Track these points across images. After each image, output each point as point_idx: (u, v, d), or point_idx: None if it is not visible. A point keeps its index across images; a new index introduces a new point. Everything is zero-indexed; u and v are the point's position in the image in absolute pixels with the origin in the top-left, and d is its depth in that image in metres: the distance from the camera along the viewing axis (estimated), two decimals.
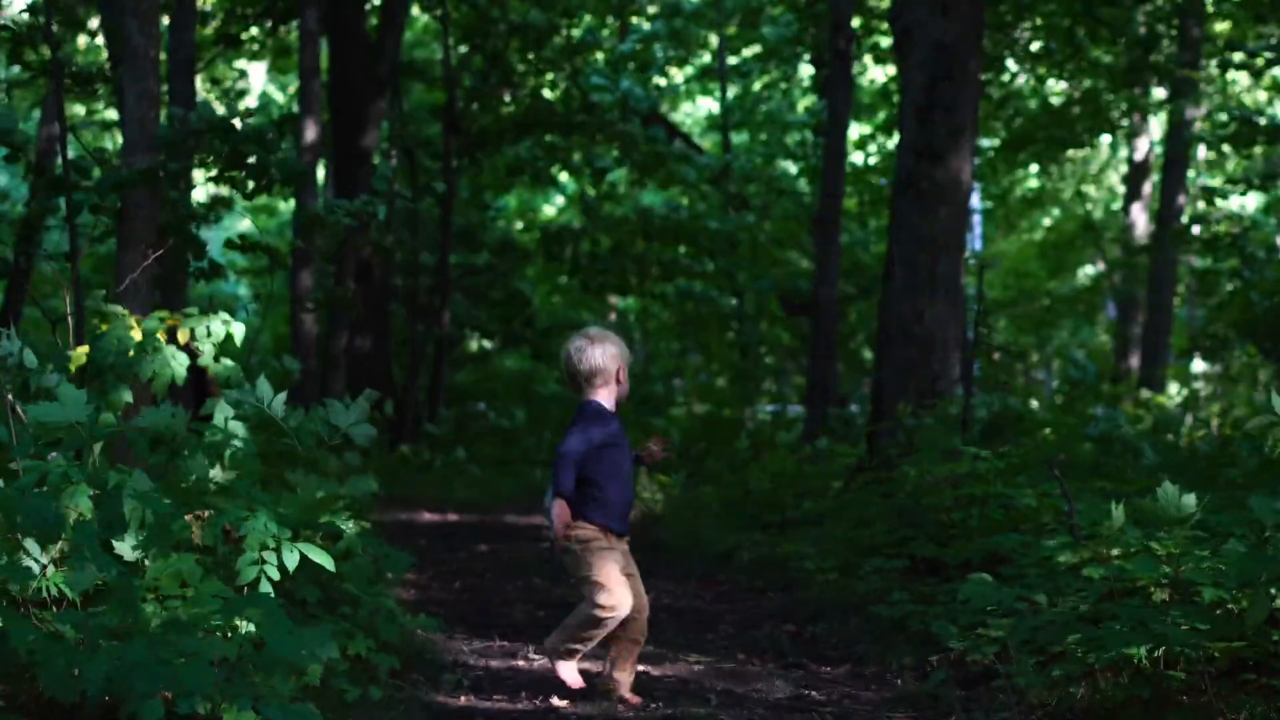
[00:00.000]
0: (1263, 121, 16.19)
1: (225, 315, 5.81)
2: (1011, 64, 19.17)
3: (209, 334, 5.70)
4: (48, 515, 3.08)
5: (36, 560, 3.38)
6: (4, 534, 3.23)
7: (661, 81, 24.17)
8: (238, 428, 4.84)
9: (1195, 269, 22.74)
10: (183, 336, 5.59)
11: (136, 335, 5.39)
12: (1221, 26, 20.15)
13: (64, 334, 5.63)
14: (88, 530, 3.25)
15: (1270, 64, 15.96)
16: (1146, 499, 5.11)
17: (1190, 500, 4.85)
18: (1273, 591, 4.36)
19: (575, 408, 5.22)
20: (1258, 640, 4.45)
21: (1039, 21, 18.01)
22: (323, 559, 4.42)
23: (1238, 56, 16.71)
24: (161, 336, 5.49)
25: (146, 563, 3.92)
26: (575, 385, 5.18)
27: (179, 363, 5.49)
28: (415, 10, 22.62)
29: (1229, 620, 4.48)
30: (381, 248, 15.78)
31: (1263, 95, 24.59)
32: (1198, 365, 19.81)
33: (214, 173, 7.22)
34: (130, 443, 3.72)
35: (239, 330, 5.78)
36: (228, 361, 5.71)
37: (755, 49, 24.47)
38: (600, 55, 21.54)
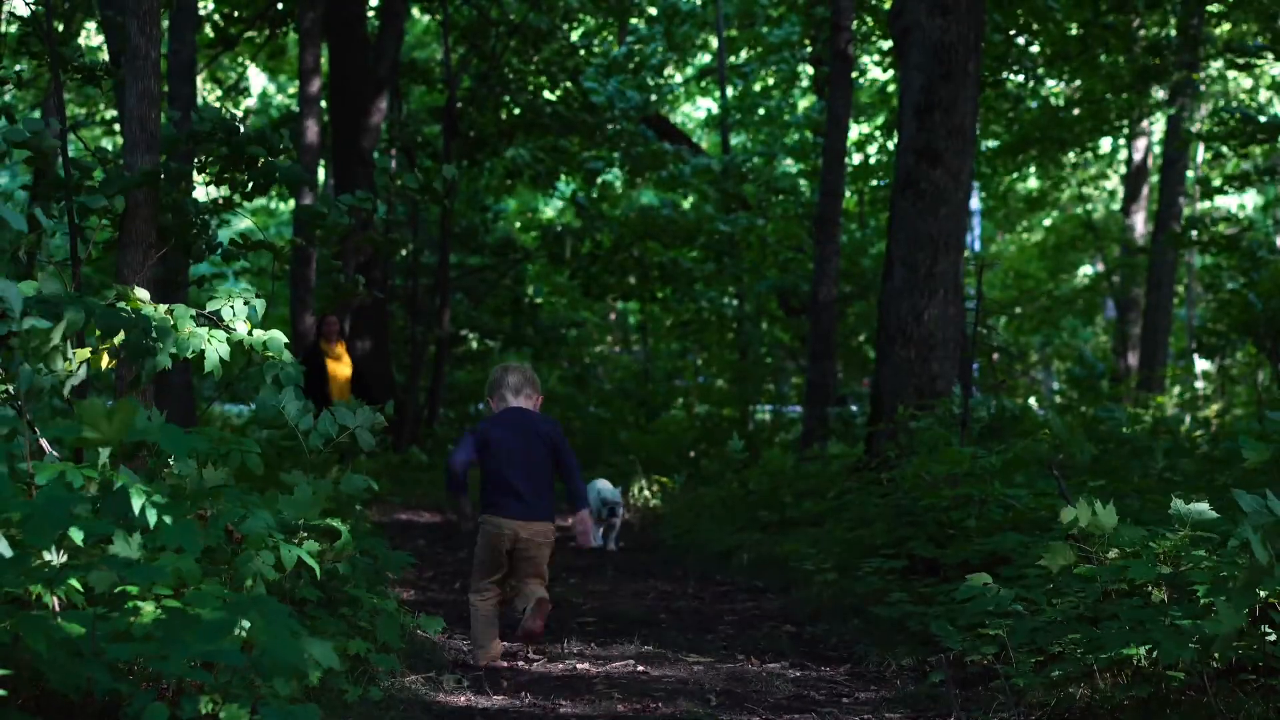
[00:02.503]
0: (1262, 119, 16.19)
1: (247, 294, 5.81)
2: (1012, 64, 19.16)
3: (234, 313, 5.70)
4: (61, 515, 3.09)
5: (53, 564, 3.39)
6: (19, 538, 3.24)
7: (660, 82, 24.15)
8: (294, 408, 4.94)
9: (1199, 268, 22.74)
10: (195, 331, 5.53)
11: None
12: (1221, 29, 20.16)
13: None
14: (99, 528, 3.26)
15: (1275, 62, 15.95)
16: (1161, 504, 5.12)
17: (1203, 508, 4.85)
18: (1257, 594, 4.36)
19: (552, 422, 6.18)
20: (1255, 640, 4.45)
21: (1037, 26, 17.99)
22: (312, 563, 4.43)
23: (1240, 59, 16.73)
24: (194, 321, 5.50)
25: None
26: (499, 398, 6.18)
27: (219, 341, 5.49)
28: (415, 12, 22.65)
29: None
30: (384, 243, 15.79)
31: (1264, 95, 24.62)
32: (1200, 364, 19.77)
33: (213, 174, 7.23)
34: (162, 444, 3.71)
35: (260, 305, 5.80)
36: (272, 331, 5.72)
37: (756, 49, 24.52)
38: (598, 56, 21.55)
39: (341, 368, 12.92)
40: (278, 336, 5.68)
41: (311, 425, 5.34)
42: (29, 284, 4.73)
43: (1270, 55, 15.78)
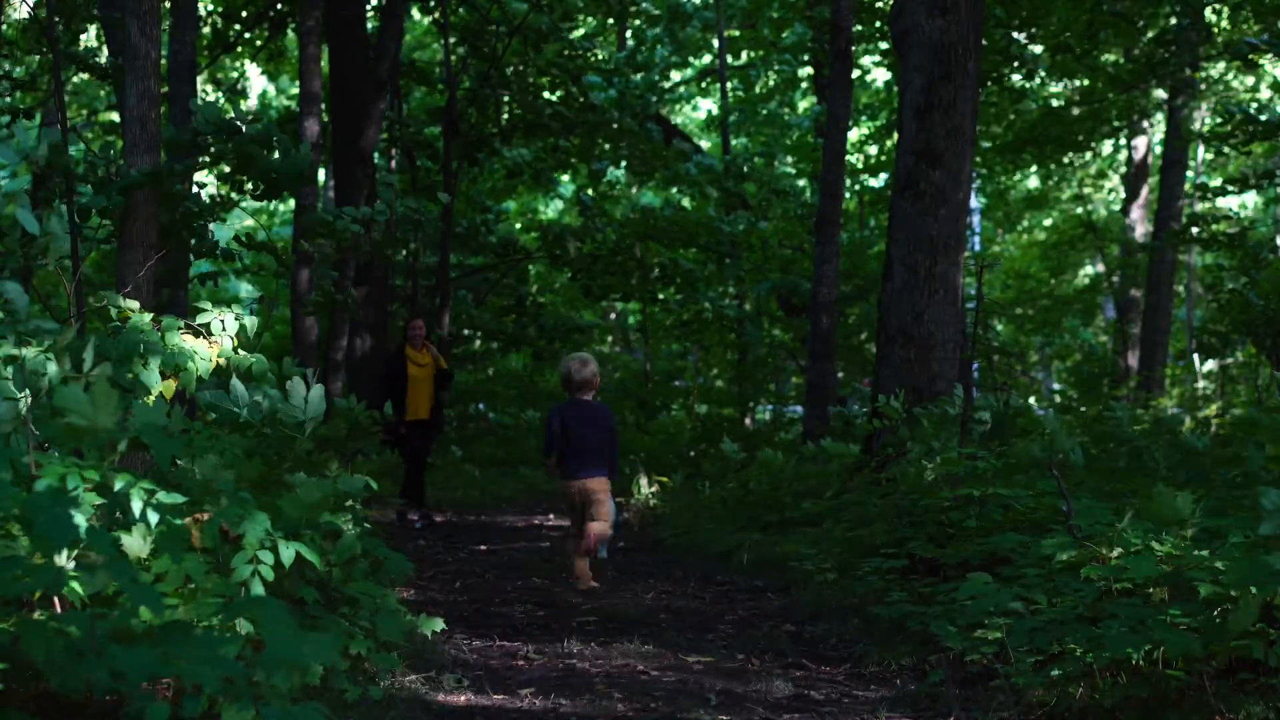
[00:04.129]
0: (1264, 118, 16.18)
1: (238, 309, 5.80)
2: (1016, 64, 19.14)
3: (224, 327, 5.69)
4: (66, 523, 3.09)
5: (59, 566, 3.40)
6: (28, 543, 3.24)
7: (666, 85, 24.17)
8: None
9: (1199, 268, 22.71)
10: (192, 336, 5.56)
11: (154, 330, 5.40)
12: (1221, 27, 20.15)
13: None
14: (103, 536, 3.26)
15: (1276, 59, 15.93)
16: (1148, 499, 5.11)
17: (1187, 501, 4.85)
18: (1260, 594, 4.36)
19: (608, 412, 8.59)
20: (1255, 640, 4.46)
21: (1046, 27, 17.97)
22: (312, 557, 4.42)
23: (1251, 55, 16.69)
24: (184, 336, 5.48)
25: (150, 562, 3.94)
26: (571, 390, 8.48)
27: (202, 357, 5.48)
28: (415, 13, 22.65)
29: (1219, 625, 4.48)
30: (383, 253, 15.80)
31: (1265, 94, 24.60)
32: (1207, 364, 19.75)
33: (219, 173, 7.25)
34: (151, 445, 3.71)
35: (252, 323, 5.78)
36: (257, 355, 5.71)
37: (758, 51, 24.54)
38: (600, 57, 21.55)
39: (425, 374, 12.35)
40: (262, 361, 5.68)
41: (260, 413, 5.33)
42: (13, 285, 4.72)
43: (1271, 55, 15.77)
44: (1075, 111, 21.70)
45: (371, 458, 14.39)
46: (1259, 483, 6.22)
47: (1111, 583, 5.01)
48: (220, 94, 23.12)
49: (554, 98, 20.62)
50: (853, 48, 15.35)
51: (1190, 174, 25.21)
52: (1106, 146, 27.99)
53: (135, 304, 5.61)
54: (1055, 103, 22.67)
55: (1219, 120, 17.17)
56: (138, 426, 3.77)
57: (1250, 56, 16.09)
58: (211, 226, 7.50)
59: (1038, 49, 19.03)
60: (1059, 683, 4.90)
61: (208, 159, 7.23)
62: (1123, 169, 27.99)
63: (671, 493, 13.29)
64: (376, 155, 18.26)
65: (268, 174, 6.94)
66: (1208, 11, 18.61)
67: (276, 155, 7.08)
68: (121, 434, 3.71)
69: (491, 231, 21.19)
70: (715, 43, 24.09)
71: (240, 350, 5.70)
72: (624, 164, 21.65)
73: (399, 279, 20.28)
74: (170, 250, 6.87)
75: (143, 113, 6.39)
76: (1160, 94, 21.85)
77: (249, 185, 7.22)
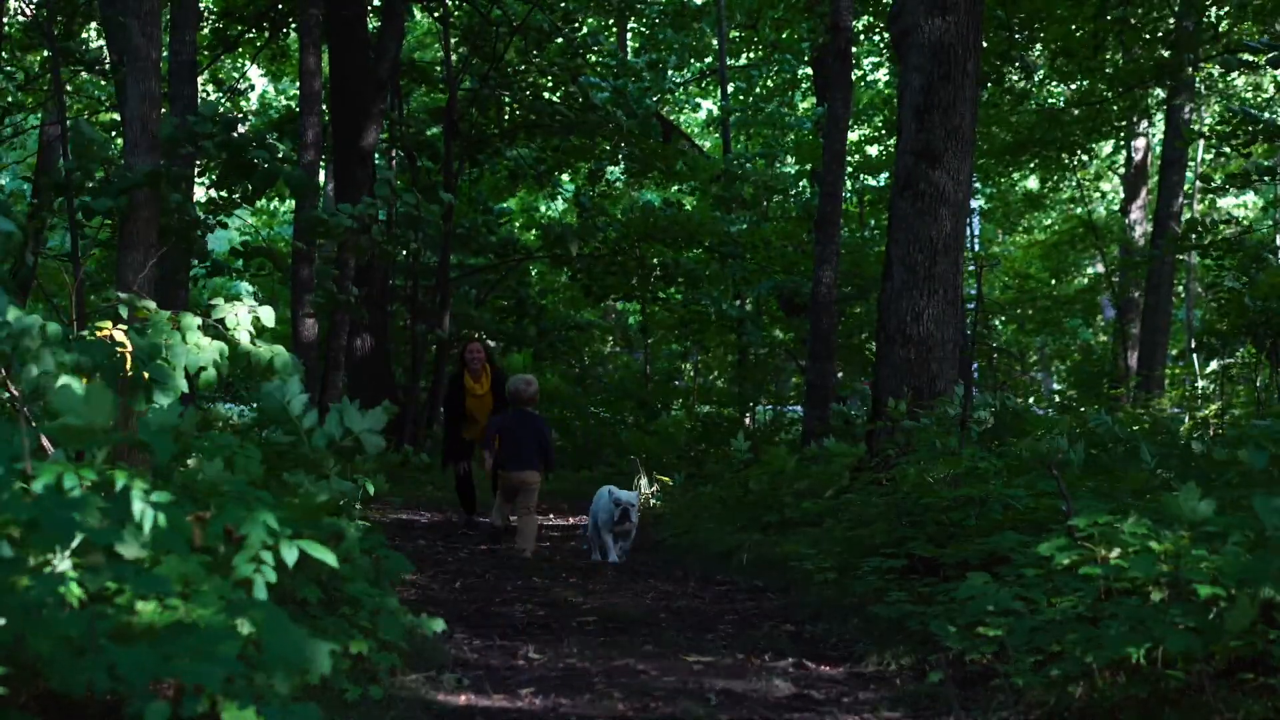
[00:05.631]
0: (1265, 116, 16.17)
1: (251, 302, 5.79)
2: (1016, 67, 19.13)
3: (238, 321, 5.68)
4: (68, 525, 3.10)
5: (56, 567, 3.40)
6: (27, 545, 3.24)
7: (670, 86, 24.19)
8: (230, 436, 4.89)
9: (1199, 267, 22.69)
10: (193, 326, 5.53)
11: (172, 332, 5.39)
12: (1222, 26, 20.16)
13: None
14: (102, 536, 3.27)
15: (1271, 62, 15.92)
16: (1161, 499, 5.11)
17: (1207, 506, 4.85)
18: (1261, 593, 4.36)
19: (541, 419, 10.72)
20: (1254, 639, 4.46)
21: (1039, 26, 17.96)
22: (325, 555, 4.41)
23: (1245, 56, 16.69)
24: (200, 332, 5.47)
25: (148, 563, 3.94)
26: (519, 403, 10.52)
27: (220, 353, 5.47)
28: (416, 13, 22.64)
29: (1219, 625, 4.48)
30: (384, 251, 15.79)
31: (1269, 91, 24.59)
32: (1211, 365, 19.74)
33: (215, 177, 7.24)
34: (149, 445, 3.70)
35: (266, 314, 5.77)
36: (277, 347, 5.70)
37: (758, 51, 24.55)
38: (603, 56, 21.57)
39: (484, 405, 11.45)
40: (283, 353, 5.68)
41: (316, 424, 5.34)
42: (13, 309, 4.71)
43: (1266, 61, 15.77)
44: (1075, 112, 21.69)
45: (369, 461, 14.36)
46: (1259, 484, 6.22)
47: (1111, 582, 5.01)
48: (221, 94, 23.12)
49: (554, 98, 20.62)
50: (852, 47, 15.36)
51: (1190, 174, 25.20)
52: (1106, 147, 27.97)
53: (152, 303, 5.60)
54: (1055, 104, 22.65)
55: (1218, 120, 17.18)
56: (143, 428, 3.77)
57: (1248, 58, 16.08)
58: (208, 236, 7.50)
59: (1038, 49, 19.03)
60: (1059, 682, 4.90)
61: (202, 163, 7.24)
62: (1121, 170, 27.99)
63: (671, 493, 13.29)
64: (377, 155, 18.26)
65: (271, 181, 6.96)
66: (1209, 13, 18.60)
67: (280, 157, 7.10)
68: (118, 435, 3.71)
69: (493, 232, 21.21)
70: (715, 43, 24.10)
71: (258, 343, 5.70)
72: (622, 164, 21.65)
73: (399, 279, 20.28)
74: (170, 250, 6.86)
75: (144, 113, 6.40)
76: (1160, 93, 21.83)
77: (249, 190, 7.23)
